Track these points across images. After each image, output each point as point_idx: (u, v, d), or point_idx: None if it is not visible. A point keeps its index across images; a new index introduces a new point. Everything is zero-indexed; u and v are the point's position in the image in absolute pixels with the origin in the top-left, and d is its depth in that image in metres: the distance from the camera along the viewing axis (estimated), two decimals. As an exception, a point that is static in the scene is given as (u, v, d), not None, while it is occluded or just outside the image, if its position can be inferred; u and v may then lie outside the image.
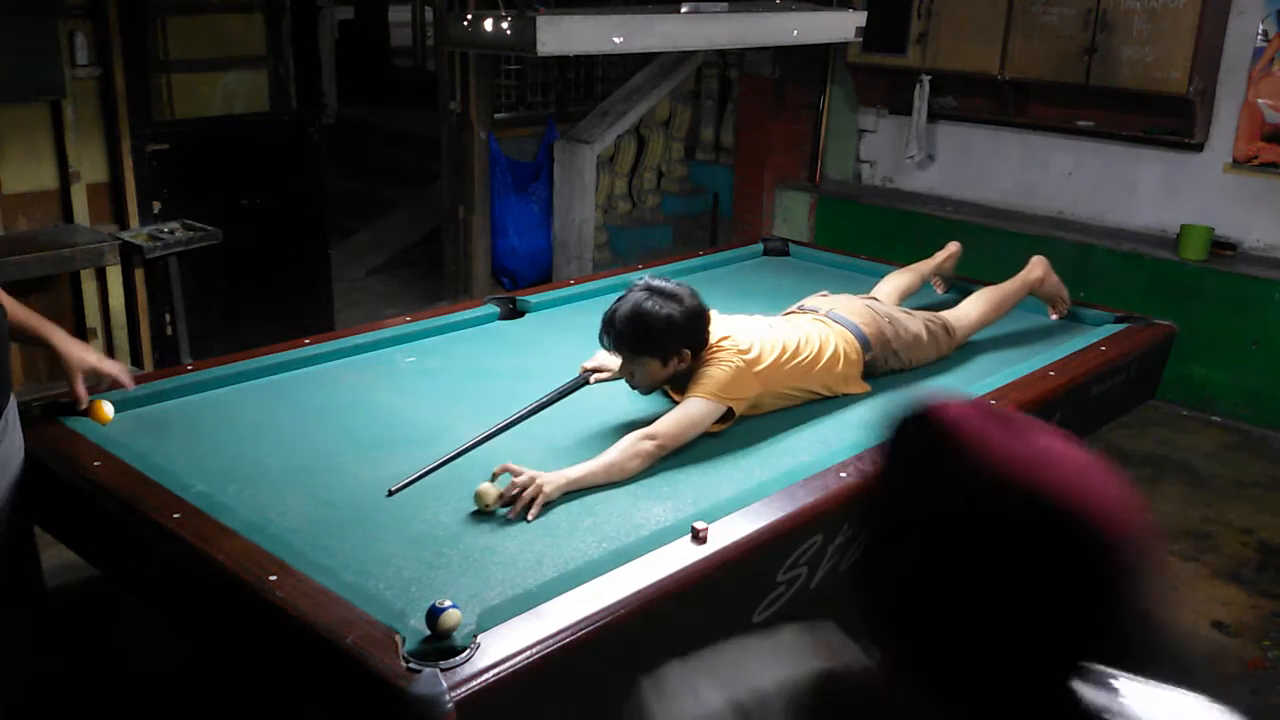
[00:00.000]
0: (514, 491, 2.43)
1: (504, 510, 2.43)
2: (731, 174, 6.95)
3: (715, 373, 2.83)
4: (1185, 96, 5.05)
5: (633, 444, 2.65)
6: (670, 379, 2.92)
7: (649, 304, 2.80)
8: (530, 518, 2.41)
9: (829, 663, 1.15)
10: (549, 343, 3.52)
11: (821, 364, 3.08)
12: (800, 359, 3.03)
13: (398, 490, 2.54)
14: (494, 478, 2.47)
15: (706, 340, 2.89)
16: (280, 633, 2.01)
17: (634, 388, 2.96)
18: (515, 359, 3.37)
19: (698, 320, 2.86)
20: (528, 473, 2.47)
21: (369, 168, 8.36)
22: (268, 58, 5.22)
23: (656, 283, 2.88)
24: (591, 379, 3.18)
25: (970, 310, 3.67)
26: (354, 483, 2.57)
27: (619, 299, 2.87)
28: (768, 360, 2.96)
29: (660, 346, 2.81)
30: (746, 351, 2.91)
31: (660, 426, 2.72)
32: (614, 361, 3.14)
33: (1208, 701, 1.05)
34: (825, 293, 3.55)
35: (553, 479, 2.49)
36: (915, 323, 3.43)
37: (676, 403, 2.90)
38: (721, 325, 2.98)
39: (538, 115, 7.09)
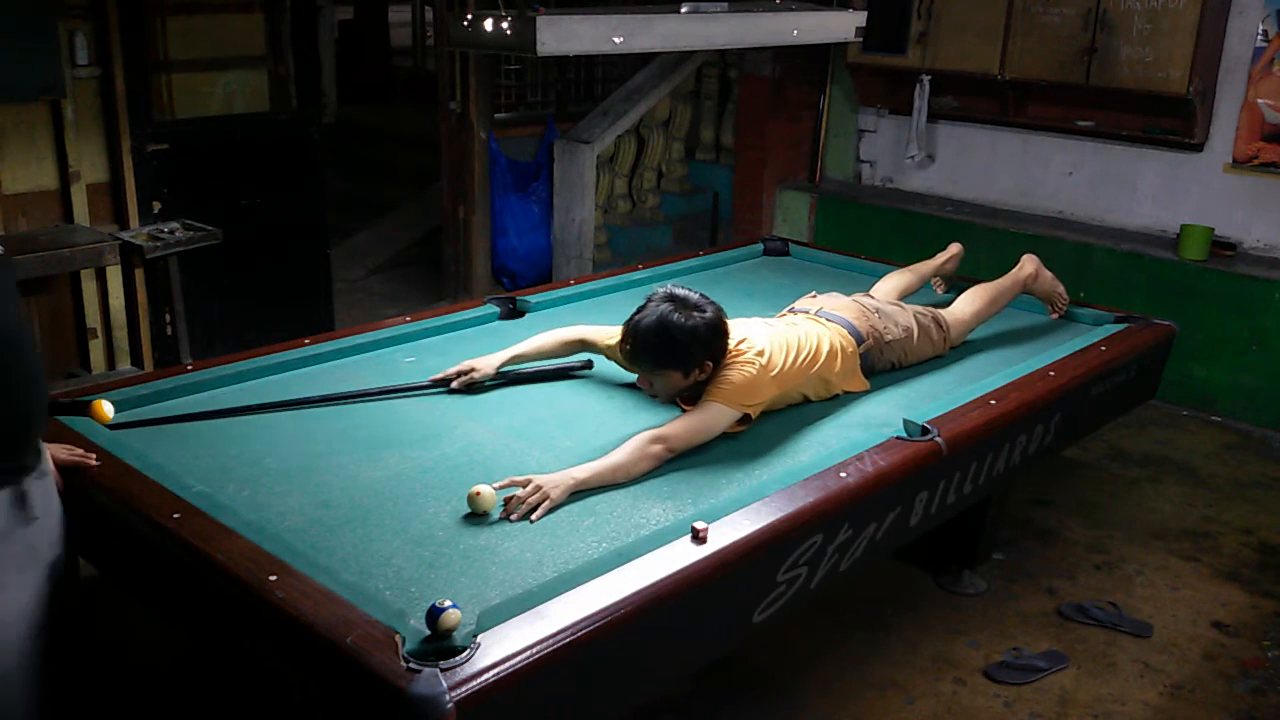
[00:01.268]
0: (517, 502, 2.43)
1: (496, 516, 2.43)
2: (731, 174, 6.95)
3: (734, 377, 2.82)
4: (1185, 96, 5.05)
5: (641, 446, 2.64)
6: (687, 389, 2.90)
7: (675, 316, 2.76)
8: (534, 519, 2.41)
9: None
10: (549, 343, 3.52)
11: (822, 361, 3.08)
12: (803, 357, 3.04)
13: (120, 427, 2.71)
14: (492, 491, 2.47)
15: (727, 350, 2.87)
16: (280, 633, 2.01)
17: (652, 397, 2.94)
18: (515, 359, 3.36)
19: (720, 332, 2.84)
20: (533, 481, 2.47)
21: (369, 168, 8.36)
22: (268, 58, 5.22)
23: (680, 292, 2.84)
24: (454, 383, 3.13)
25: (964, 307, 3.68)
26: (354, 483, 2.58)
27: (640, 310, 2.84)
28: (779, 362, 2.96)
29: (684, 359, 2.79)
30: (761, 354, 2.90)
31: (672, 429, 2.71)
32: (481, 362, 3.14)
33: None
34: (814, 293, 3.55)
35: (558, 482, 2.48)
36: (905, 315, 3.44)
37: (684, 411, 2.89)
38: (736, 329, 2.97)
39: (538, 115, 7.08)
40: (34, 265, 4.13)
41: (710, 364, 2.83)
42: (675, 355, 2.77)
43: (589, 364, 3.31)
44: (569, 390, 3.21)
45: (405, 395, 3.09)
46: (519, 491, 2.45)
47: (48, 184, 4.49)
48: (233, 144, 5.06)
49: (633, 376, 3.10)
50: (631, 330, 2.82)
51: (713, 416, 2.78)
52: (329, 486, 2.55)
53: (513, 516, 2.40)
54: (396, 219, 7.61)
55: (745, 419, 2.86)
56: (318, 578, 2.07)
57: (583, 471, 2.54)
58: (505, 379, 3.21)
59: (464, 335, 3.64)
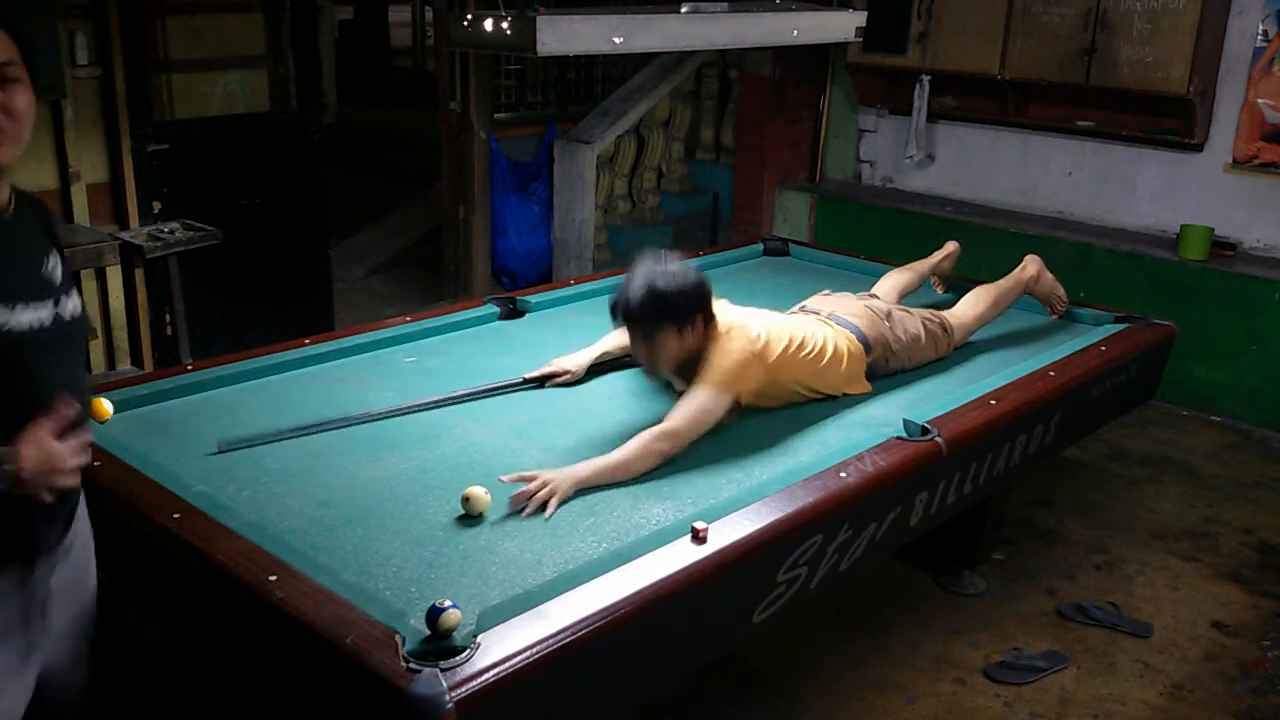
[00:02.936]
0: (524, 500, 2.44)
1: (495, 516, 2.43)
2: (731, 174, 6.95)
3: (723, 361, 2.84)
4: (1185, 96, 5.05)
5: (646, 444, 2.65)
6: (682, 362, 2.91)
7: (658, 274, 2.83)
8: (547, 516, 2.41)
9: None
10: (549, 343, 3.52)
11: (826, 361, 3.09)
12: (806, 352, 3.05)
13: (228, 449, 2.68)
14: (494, 486, 2.47)
15: (712, 310, 2.90)
16: (280, 633, 2.01)
17: (651, 370, 2.96)
18: (515, 359, 3.37)
19: (704, 287, 2.89)
20: (540, 477, 2.48)
21: (369, 168, 8.36)
22: (268, 58, 5.22)
23: (657, 256, 2.91)
24: (546, 384, 3.18)
25: (967, 309, 3.68)
26: (354, 483, 2.58)
27: (624, 282, 2.88)
28: (776, 349, 2.97)
29: (677, 314, 2.82)
30: (755, 339, 2.92)
31: (673, 423, 2.72)
32: (572, 363, 3.19)
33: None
34: (827, 292, 3.56)
35: (564, 479, 2.49)
36: (914, 322, 3.44)
37: (683, 393, 2.90)
38: (734, 314, 3.00)
39: (538, 115, 7.09)
40: (34, 265, 4.12)
41: (700, 320, 2.86)
42: (669, 309, 2.81)
43: None
44: (569, 390, 3.21)
45: (488, 396, 3.11)
46: (526, 488, 2.46)
47: (48, 184, 4.49)
48: (233, 144, 5.06)
49: (638, 378, 3.11)
50: (622, 297, 2.86)
51: (704, 402, 2.79)
52: (329, 486, 2.55)
53: (524, 514, 2.41)
54: (396, 219, 7.61)
55: (735, 405, 2.88)
56: (318, 578, 2.06)
57: (586, 469, 2.55)
58: (591, 373, 3.28)
59: (464, 335, 3.64)
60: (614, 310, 2.90)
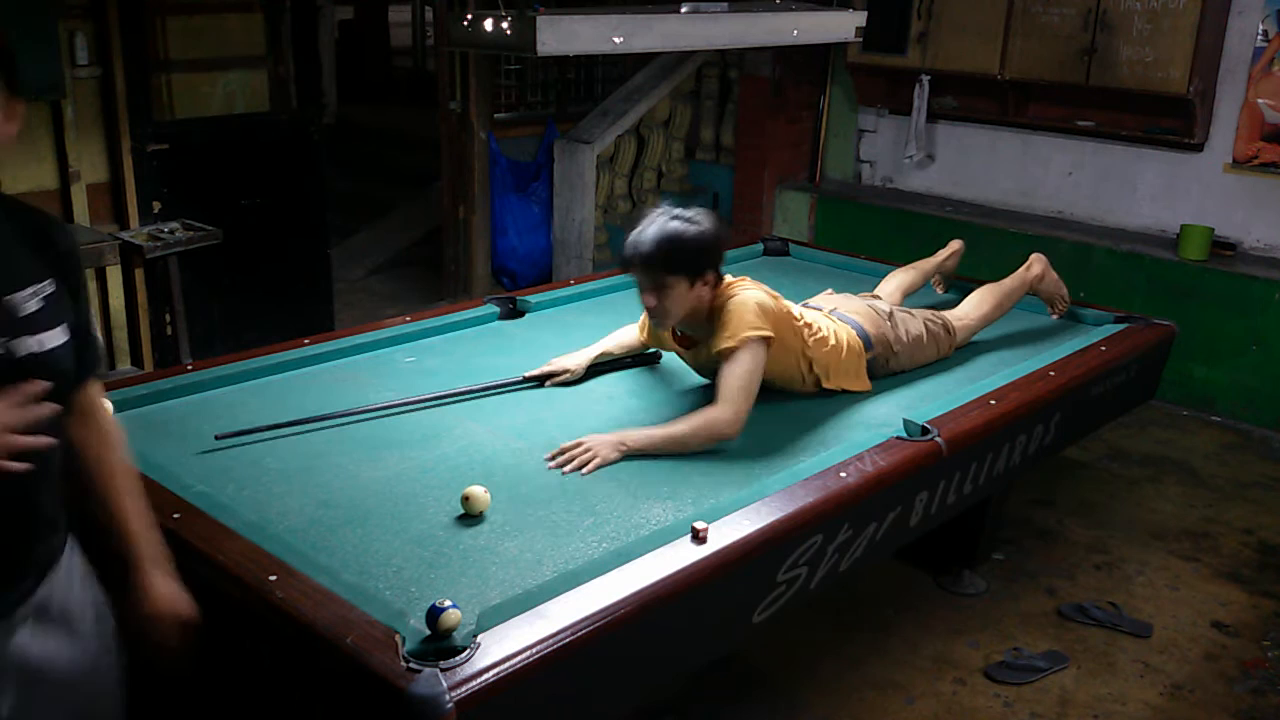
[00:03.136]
0: (565, 459, 2.49)
1: (495, 516, 2.43)
2: (731, 174, 6.95)
3: (742, 309, 2.84)
4: (1185, 96, 5.05)
5: (708, 426, 2.68)
6: (688, 316, 2.91)
7: (675, 222, 2.83)
8: (584, 474, 2.48)
9: None
10: (549, 343, 3.52)
11: (829, 347, 3.11)
12: (813, 331, 3.08)
13: (224, 436, 2.69)
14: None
15: (722, 266, 2.91)
16: (280, 633, 2.01)
17: (657, 320, 2.95)
18: (515, 359, 3.37)
19: (720, 240, 2.89)
20: (584, 443, 2.53)
21: (369, 168, 8.36)
22: (268, 58, 5.22)
23: (674, 208, 2.91)
24: (546, 383, 3.19)
25: (971, 310, 3.68)
26: (354, 483, 2.58)
27: (640, 227, 2.87)
28: (786, 307, 3.00)
29: (690, 264, 2.81)
30: (764, 289, 2.96)
31: (732, 406, 2.73)
32: (572, 361, 3.21)
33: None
34: (831, 291, 3.58)
35: (608, 443, 2.51)
36: (916, 323, 3.44)
37: (682, 355, 2.94)
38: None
39: (538, 115, 7.09)
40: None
41: (712, 276, 2.86)
42: (681, 260, 2.79)
43: (658, 355, 3.38)
44: (569, 390, 3.21)
45: (489, 395, 3.11)
46: (566, 449, 2.52)
47: (48, 184, 4.49)
48: (233, 144, 5.06)
49: (637, 377, 3.10)
50: (635, 240, 2.84)
51: (746, 365, 2.78)
52: (329, 486, 2.55)
53: (564, 470, 2.46)
54: (396, 219, 7.62)
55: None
56: (318, 578, 2.06)
57: (637, 436, 2.58)
58: (591, 373, 3.27)
59: (464, 335, 3.64)
60: (628, 257, 2.87)
